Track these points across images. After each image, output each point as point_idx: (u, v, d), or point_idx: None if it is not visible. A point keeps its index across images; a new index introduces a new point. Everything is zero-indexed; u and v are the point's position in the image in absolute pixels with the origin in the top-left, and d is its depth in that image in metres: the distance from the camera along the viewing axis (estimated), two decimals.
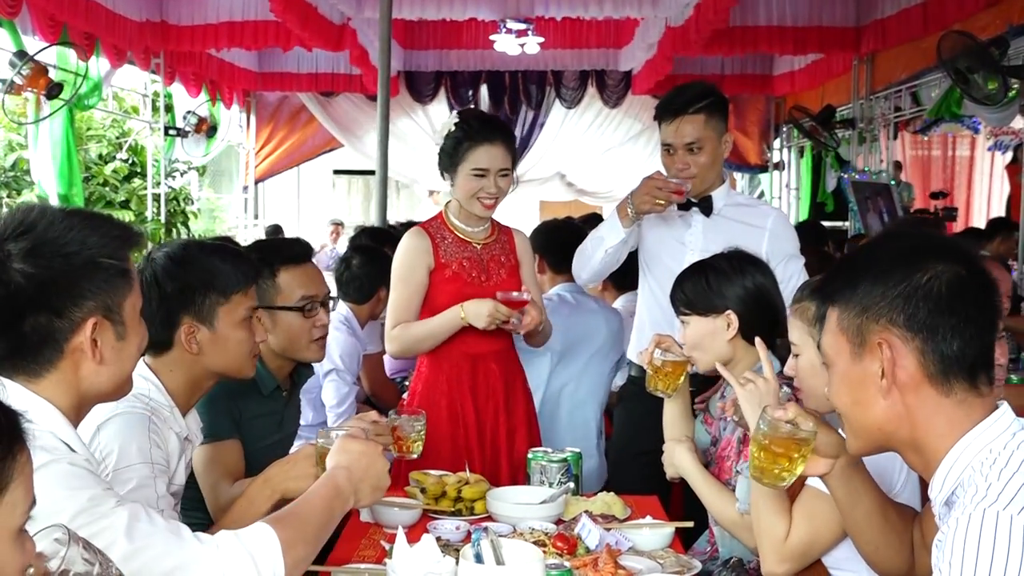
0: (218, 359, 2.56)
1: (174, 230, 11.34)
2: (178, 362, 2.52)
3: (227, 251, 2.68)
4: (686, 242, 3.72)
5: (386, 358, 5.46)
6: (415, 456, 3.04)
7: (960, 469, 1.66)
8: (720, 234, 3.66)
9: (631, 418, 3.80)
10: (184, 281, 2.52)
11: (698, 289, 3.00)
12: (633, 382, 3.87)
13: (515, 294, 3.55)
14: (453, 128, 3.59)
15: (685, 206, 3.74)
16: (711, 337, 2.98)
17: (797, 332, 2.59)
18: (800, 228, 8.08)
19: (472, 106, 13.30)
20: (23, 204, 2.24)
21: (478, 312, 3.48)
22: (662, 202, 3.57)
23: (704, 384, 3.34)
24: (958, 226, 12.33)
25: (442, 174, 3.69)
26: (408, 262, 3.63)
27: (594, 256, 3.77)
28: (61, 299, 1.84)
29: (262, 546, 1.88)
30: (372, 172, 15.83)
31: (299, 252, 3.18)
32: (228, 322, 2.56)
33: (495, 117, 3.83)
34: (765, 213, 3.89)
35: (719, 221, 3.74)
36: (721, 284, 2.98)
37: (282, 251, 3.16)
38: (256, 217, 14.79)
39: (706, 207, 3.73)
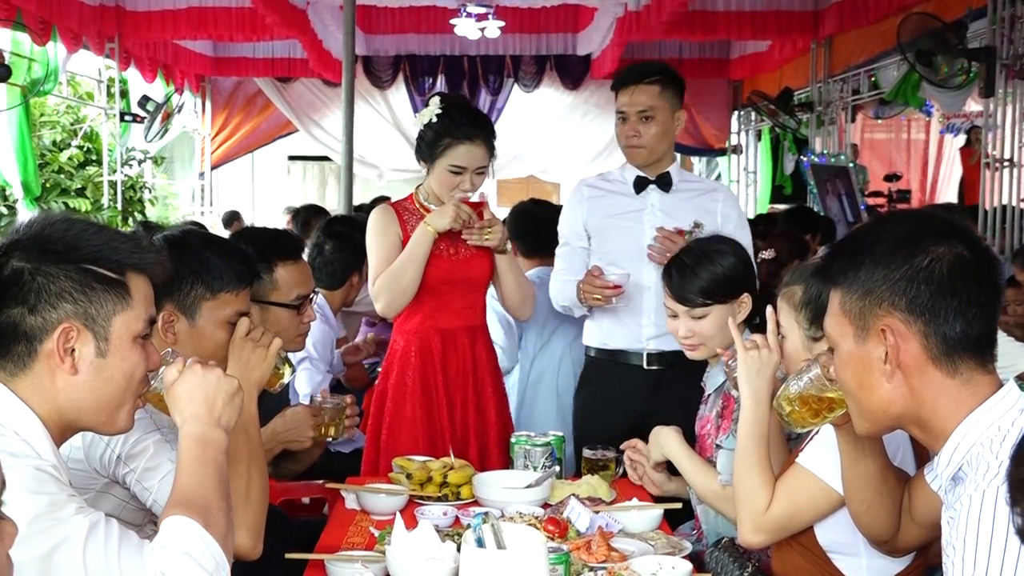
0: (192, 354, 2.51)
1: (130, 218, 11.18)
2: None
3: (227, 248, 2.63)
4: (644, 220, 3.76)
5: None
6: (330, 439, 3.08)
7: (968, 446, 1.68)
8: (677, 209, 3.76)
9: (596, 400, 3.85)
10: (174, 267, 2.47)
11: (718, 279, 3.00)
12: (592, 363, 3.90)
13: (472, 196, 3.55)
14: (435, 118, 3.56)
15: (641, 185, 3.79)
16: (728, 324, 3.01)
17: (783, 315, 2.61)
18: (792, 214, 8.21)
19: (430, 92, 13.25)
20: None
21: (442, 212, 3.50)
22: (599, 298, 3.60)
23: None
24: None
25: (418, 160, 3.67)
26: (379, 228, 3.65)
27: (563, 306, 3.84)
28: (37, 295, 1.78)
29: (190, 539, 1.78)
30: (327, 158, 15.87)
31: (296, 248, 3.14)
32: (210, 319, 2.52)
33: (478, 111, 3.79)
34: (715, 188, 4.05)
35: (676, 197, 3.80)
36: (732, 266, 3.02)
37: (280, 246, 3.09)
38: (211, 204, 14.62)
39: (664, 183, 3.80)
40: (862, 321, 1.76)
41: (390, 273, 3.55)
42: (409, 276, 3.54)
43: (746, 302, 3.03)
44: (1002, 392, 1.71)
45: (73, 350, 1.81)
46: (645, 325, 3.71)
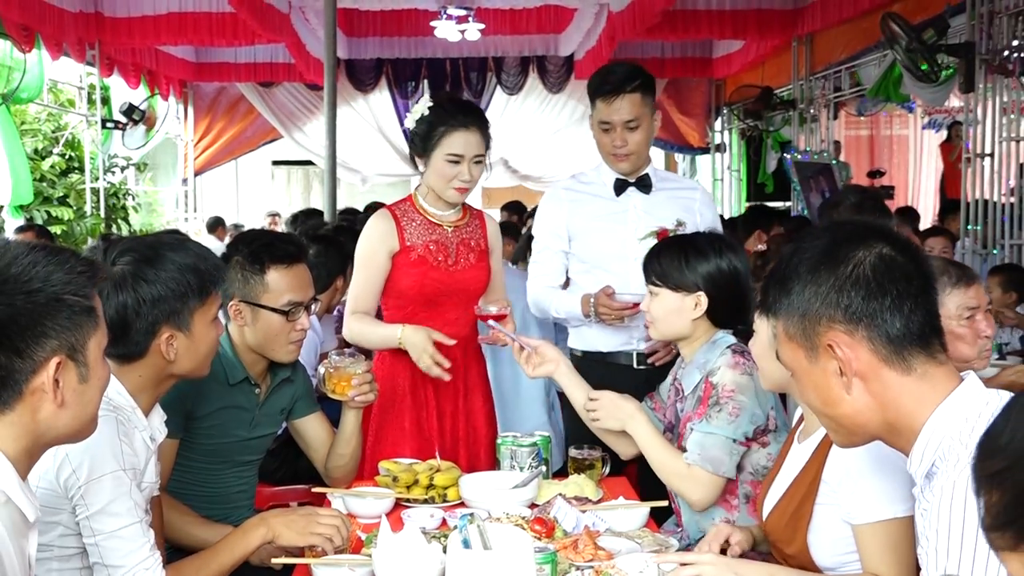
0: (188, 362, 2.49)
1: (114, 225, 11.15)
2: (147, 367, 2.44)
3: (194, 248, 2.55)
4: (627, 222, 3.76)
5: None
6: (344, 398, 3.11)
7: (938, 441, 1.69)
8: (659, 209, 3.77)
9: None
10: (166, 287, 2.41)
11: (674, 264, 3.00)
12: (580, 362, 3.83)
13: (493, 308, 3.50)
14: (427, 112, 3.50)
15: (621, 187, 3.79)
16: (676, 314, 3.00)
17: (755, 313, 2.61)
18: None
19: (413, 95, 13.25)
20: None
21: (412, 343, 3.43)
22: (614, 317, 3.61)
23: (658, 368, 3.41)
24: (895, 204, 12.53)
25: (413, 159, 3.63)
26: (369, 246, 3.58)
27: (557, 319, 3.90)
28: (23, 338, 1.74)
29: None
30: (311, 163, 15.82)
31: (293, 252, 3.07)
32: (202, 324, 2.48)
33: (469, 102, 3.76)
34: (693, 187, 4.08)
35: (656, 197, 3.81)
36: (698, 262, 2.99)
37: (275, 248, 3.04)
38: (195, 210, 14.59)
39: (644, 185, 3.81)
40: (808, 342, 1.78)
41: (363, 331, 3.57)
42: (373, 347, 3.64)
43: (700, 303, 2.98)
44: (965, 385, 1.73)
45: (57, 381, 1.78)
46: (635, 327, 3.69)
